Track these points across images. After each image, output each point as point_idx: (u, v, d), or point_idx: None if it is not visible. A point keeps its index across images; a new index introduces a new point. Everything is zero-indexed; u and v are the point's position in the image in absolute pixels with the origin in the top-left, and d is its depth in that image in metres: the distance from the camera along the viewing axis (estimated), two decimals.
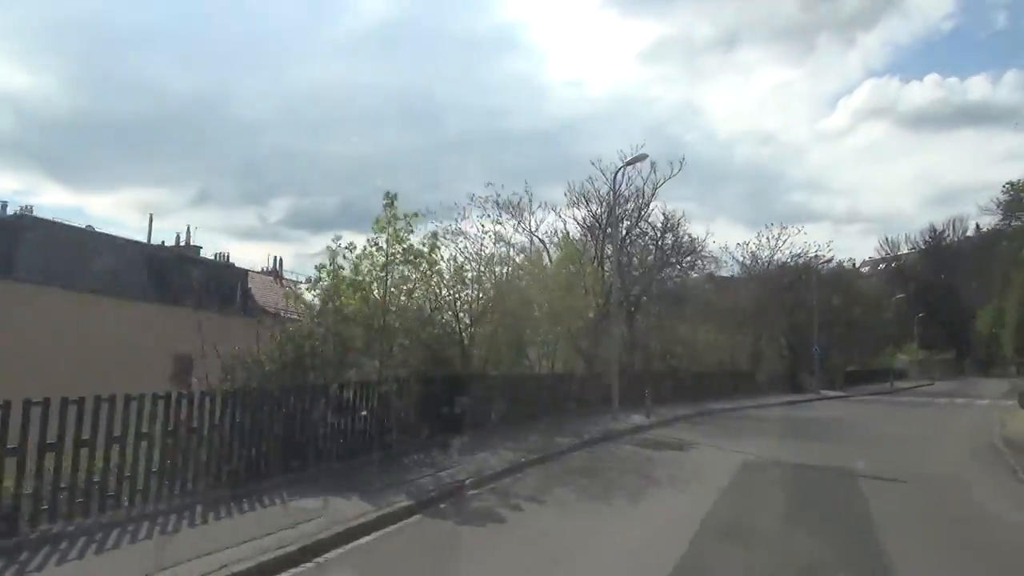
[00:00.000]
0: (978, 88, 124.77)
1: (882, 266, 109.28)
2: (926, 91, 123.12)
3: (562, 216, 25.84)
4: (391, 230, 12.66)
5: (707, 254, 30.83)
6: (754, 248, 41.40)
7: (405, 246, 12.94)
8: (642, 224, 26.38)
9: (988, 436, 19.38)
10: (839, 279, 55.21)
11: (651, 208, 26.47)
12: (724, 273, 40.58)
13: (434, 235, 14.10)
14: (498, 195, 22.96)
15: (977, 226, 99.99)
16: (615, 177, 22.81)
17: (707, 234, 48.93)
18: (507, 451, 13.07)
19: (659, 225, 27.09)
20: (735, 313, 38.81)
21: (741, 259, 41.40)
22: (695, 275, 30.64)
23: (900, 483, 11.68)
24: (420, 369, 13.70)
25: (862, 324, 60.74)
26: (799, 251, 41.50)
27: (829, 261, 41.80)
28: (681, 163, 26.62)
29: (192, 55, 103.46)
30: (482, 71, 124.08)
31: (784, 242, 41.01)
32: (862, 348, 68.68)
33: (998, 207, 47.69)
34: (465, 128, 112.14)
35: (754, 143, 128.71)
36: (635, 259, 26.64)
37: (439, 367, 14.56)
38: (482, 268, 17.59)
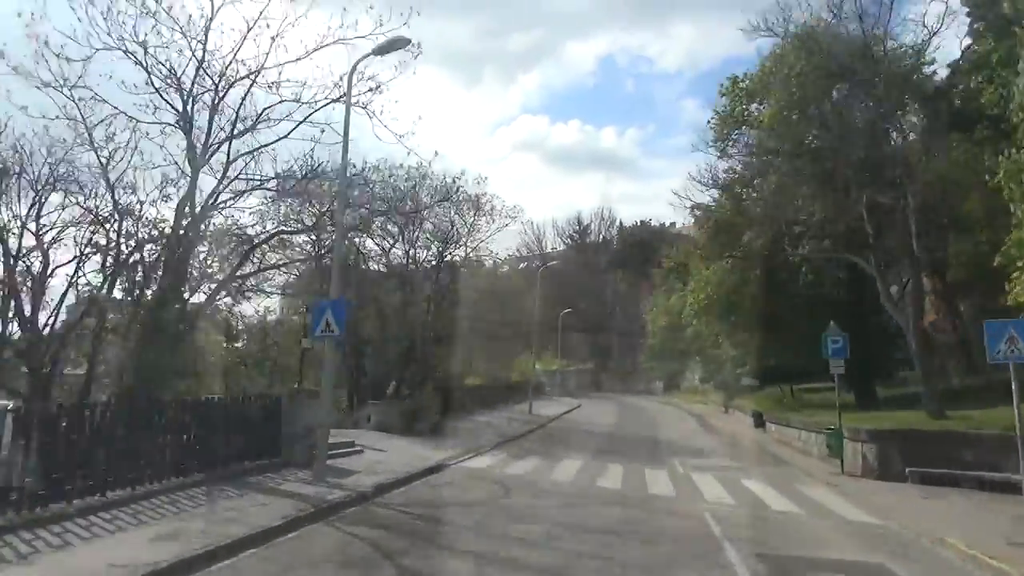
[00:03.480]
0: (608, 138, 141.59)
1: (523, 265, 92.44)
2: (570, 133, 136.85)
3: None
4: None
5: None
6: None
7: None
8: None
9: None
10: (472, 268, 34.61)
11: None
12: None
13: None
14: None
15: (621, 223, 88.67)
16: None
17: None
18: None
19: None
20: None
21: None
22: None
23: None
24: None
25: (501, 326, 43.47)
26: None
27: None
28: None
29: None
30: None
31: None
32: (499, 356, 50.62)
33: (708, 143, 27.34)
34: None
35: (427, 156, 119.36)
36: None
37: None
38: None
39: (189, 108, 14.02)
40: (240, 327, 23.47)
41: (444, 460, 15.44)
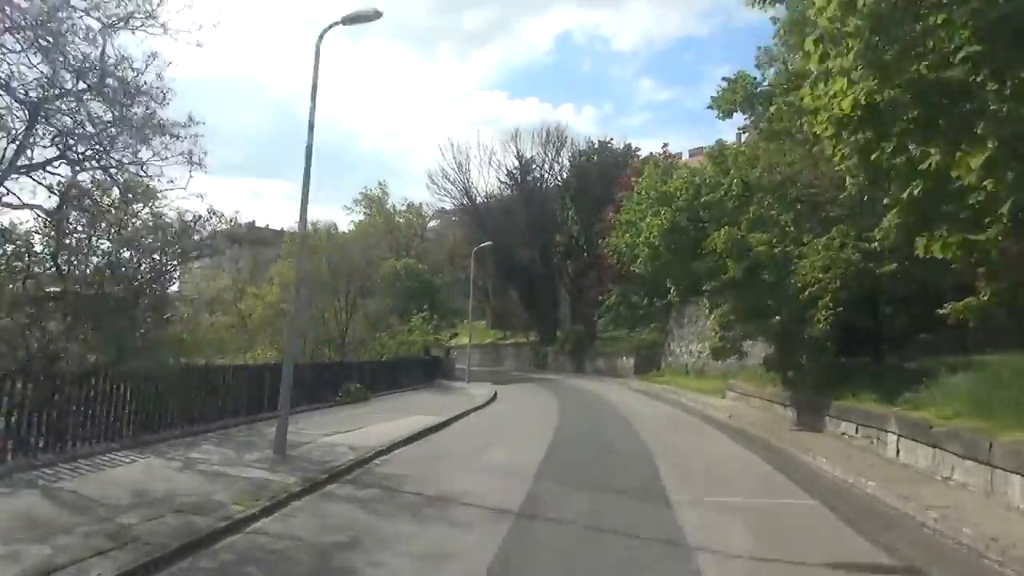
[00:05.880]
0: (565, 115, 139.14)
1: (456, 218, 69.82)
2: (528, 111, 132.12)
3: None
4: None
5: None
6: None
7: None
8: None
9: None
10: None
11: None
12: None
13: None
14: None
15: (573, 143, 64.65)
16: None
17: None
18: None
19: None
20: None
21: None
22: None
23: None
24: None
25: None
26: None
27: None
28: None
29: None
30: None
31: None
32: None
33: None
34: None
35: (378, 135, 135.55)
36: None
37: None
38: None
39: None
40: None
41: None
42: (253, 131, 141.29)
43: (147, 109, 12.80)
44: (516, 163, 63.66)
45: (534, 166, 63.88)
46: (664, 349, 38.80)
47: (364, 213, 60.52)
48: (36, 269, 13.12)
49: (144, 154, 13.16)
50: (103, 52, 12.22)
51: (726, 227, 15.82)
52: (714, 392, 24.78)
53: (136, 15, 12.49)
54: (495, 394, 27.00)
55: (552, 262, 58.44)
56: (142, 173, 13.42)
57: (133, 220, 14.22)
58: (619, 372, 41.45)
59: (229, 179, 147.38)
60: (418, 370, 29.62)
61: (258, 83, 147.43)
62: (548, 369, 50.58)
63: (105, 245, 14.00)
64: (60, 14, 11.45)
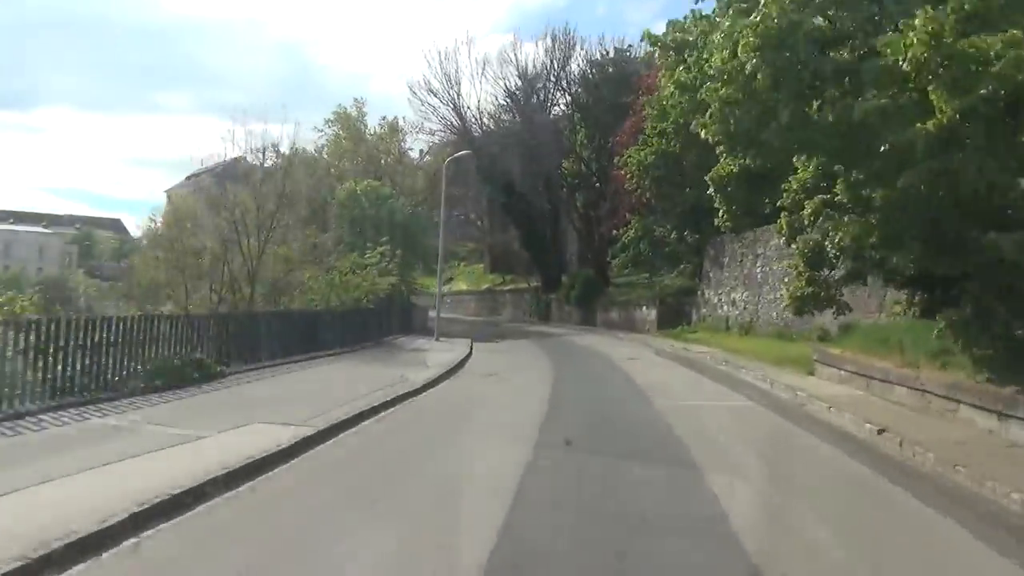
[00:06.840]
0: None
1: (449, 148, 59.81)
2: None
3: None
4: None
5: None
6: None
7: None
8: None
9: None
10: None
11: None
12: None
13: None
14: None
15: (586, 52, 53.53)
16: None
17: None
18: None
19: None
20: None
21: None
22: None
23: None
24: None
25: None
26: None
27: None
28: None
29: None
30: None
31: None
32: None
33: None
34: None
35: (389, 79, 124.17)
36: None
37: None
38: None
39: None
40: None
41: None
42: (258, 74, 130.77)
43: None
44: (517, 81, 53.49)
45: (538, 86, 53.60)
46: (696, 298, 29.98)
47: (337, 134, 51.58)
48: None
49: None
50: None
51: (925, 10, 6.75)
52: (789, 362, 16.04)
53: None
54: (463, 361, 18.53)
55: (559, 193, 49.22)
56: None
57: None
58: (637, 326, 32.77)
59: (235, 123, 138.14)
60: (358, 325, 21.06)
61: (260, 24, 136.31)
62: (551, 320, 42.10)
63: None
64: None
